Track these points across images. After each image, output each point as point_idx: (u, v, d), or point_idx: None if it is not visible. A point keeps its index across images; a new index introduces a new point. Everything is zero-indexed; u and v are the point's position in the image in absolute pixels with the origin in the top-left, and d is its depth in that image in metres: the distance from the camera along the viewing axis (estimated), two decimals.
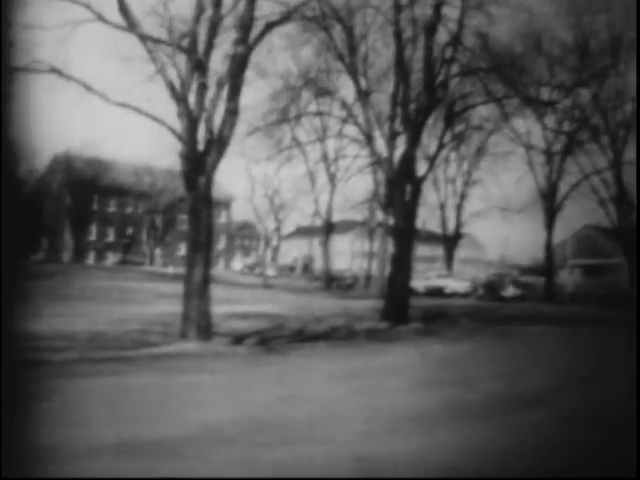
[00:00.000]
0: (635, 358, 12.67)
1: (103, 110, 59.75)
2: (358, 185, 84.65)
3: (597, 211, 39.75)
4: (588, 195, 38.72)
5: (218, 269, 64.18)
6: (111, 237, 69.92)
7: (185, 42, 13.03)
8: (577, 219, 68.22)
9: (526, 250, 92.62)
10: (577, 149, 38.43)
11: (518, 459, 5.68)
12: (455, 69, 19.94)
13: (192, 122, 12.75)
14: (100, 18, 12.15)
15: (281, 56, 23.91)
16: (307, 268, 72.24)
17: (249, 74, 14.88)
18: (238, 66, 12.95)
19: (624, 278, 39.17)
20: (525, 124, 39.00)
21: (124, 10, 12.21)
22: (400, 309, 19.20)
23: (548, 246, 41.69)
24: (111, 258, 65.86)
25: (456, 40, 18.86)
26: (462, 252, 56.48)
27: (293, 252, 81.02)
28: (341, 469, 5.21)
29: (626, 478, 5.43)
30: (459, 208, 47.70)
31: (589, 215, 65.74)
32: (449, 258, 48.23)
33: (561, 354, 13.63)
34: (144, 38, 12.53)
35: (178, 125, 12.77)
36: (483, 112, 26.83)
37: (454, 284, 41.48)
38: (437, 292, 39.39)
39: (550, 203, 40.21)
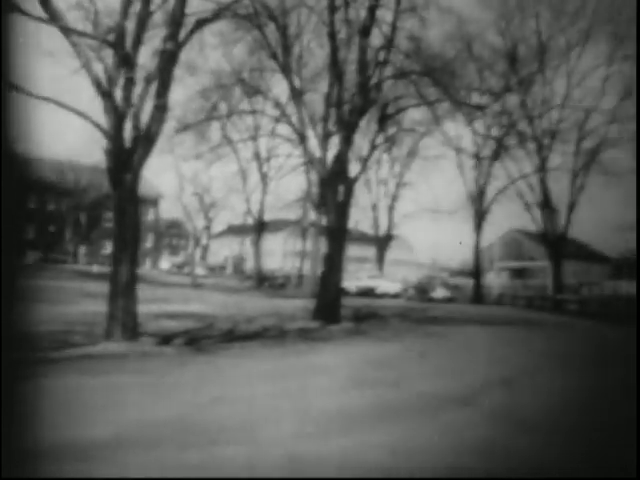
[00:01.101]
0: (560, 359, 13.43)
1: (26, 104, 57.11)
2: (291, 184, 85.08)
3: (523, 215, 41.22)
4: (515, 199, 40.26)
5: (145, 268, 62.85)
6: (31, 234, 67.21)
7: (112, 36, 12.76)
8: (504, 223, 70.81)
9: (456, 252, 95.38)
10: (505, 154, 39.95)
11: (445, 458, 5.79)
12: (388, 71, 20.34)
13: (118, 118, 12.50)
14: (19, 10, 11.69)
15: (213, 54, 23.80)
16: (238, 267, 71.77)
17: (179, 71, 14.77)
18: (167, 62, 12.82)
19: (548, 281, 40.97)
20: (456, 128, 40.45)
21: (45, 2, 11.80)
22: (331, 309, 19.45)
23: (476, 249, 43.03)
24: (31, 256, 63.31)
25: (390, 43, 19.24)
26: (393, 253, 57.50)
27: (224, 251, 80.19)
28: (269, 470, 5.24)
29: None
30: (391, 209, 48.70)
31: (515, 219, 68.47)
32: (380, 259, 49.11)
33: (488, 355, 14.03)
34: (67, 31, 12.18)
35: (104, 121, 12.51)
36: (415, 115, 27.60)
37: (385, 285, 42.29)
38: (368, 292, 40.06)
39: (479, 206, 41.62)
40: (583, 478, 5.47)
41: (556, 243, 39.06)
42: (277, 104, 22.40)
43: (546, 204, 38.90)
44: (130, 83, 12.71)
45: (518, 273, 67.65)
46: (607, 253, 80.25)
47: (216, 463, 5.31)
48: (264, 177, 44.97)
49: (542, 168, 38.66)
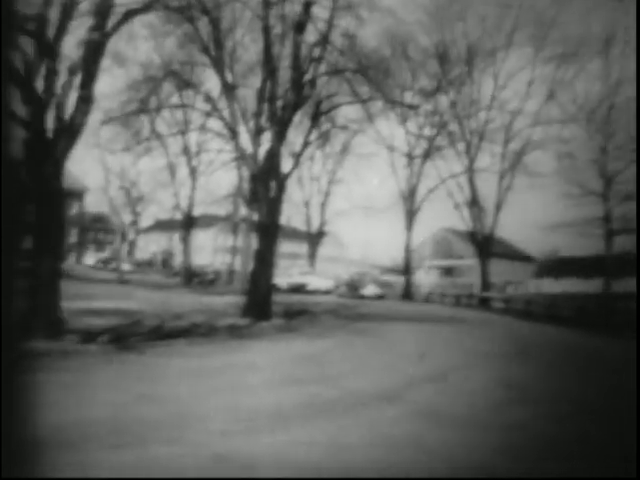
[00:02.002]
0: (483, 356, 13.94)
1: None
2: (222, 179, 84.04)
3: (453, 214, 42.44)
4: (445, 198, 41.43)
5: (69, 264, 60.80)
6: None
7: (31, 25, 12.34)
8: (435, 221, 72.63)
9: (387, 250, 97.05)
10: (436, 153, 41.07)
11: (375, 454, 5.92)
12: (323, 68, 20.55)
13: (39, 108, 12.12)
14: None
15: (144, 45, 23.32)
16: (166, 263, 70.51)
17: (107, 61, 14.45)
18: (93, 53, 12.53)
19: (476, 279, 42.36)
20: (389, 126, 41.28)
21: None
22: (262, 305, 19.50)
23: (407, 246, 43.96)
24: None
25: (325, 39, 19.42)
26: (325, 250, 57.98)
27: (152, 247, 78.53)
28: (197, 469, 5.23)
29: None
30: (323, 206, 49.13)
31: (446, 218, 70.33)
32: (312, 255, 49.48)
33: (415, 351, 14.25)
34: None
35: (22, 110, 12.07)
36: (349, 112, 27.91)
37: (317, 281, 42.68)
38: (300, 289, 40.33)
39: (410, 205, 42.57)
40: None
41: (483, 242, 40.45)
42: (208, 98, 22.20)
43: (474, 204, 40.19)
44: (52, 73, 12.34)
45: (447, 271, 69.58)
46: (531, 253, 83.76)
47: (143, 464, 5.26)
48: (194, 172, 44.45)
49: (471, 168, 39.97)
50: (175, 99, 24.87)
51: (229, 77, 20.29)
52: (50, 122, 12.37)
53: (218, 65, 19.69)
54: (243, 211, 43.85)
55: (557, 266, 75.59)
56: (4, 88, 9.58)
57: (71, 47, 13.12)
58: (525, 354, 14.59)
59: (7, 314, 10.53)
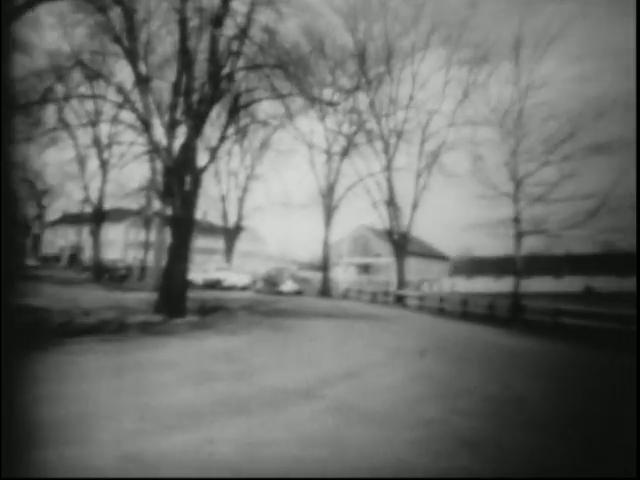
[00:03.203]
0: (396, 351, 14.43)
1: None
2: (134, 172, 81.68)
3: (372, 212, 43.26)
4: (363, 196, 42.23)
5: None
6: None
7: None
8: (354, 219, 73.80)
9: (306, 246, 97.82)
10: (354, 151, 41.82)
11: (292, 451, 6.04)
12: (242, 63, 20.55)
13: None
14: None
15: (51, 34, 22.49)
16: (75, 258, 68.22)
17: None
18: None
19: (392, 277, 43.49)
20: (309, 123, 41.57)
21: None
22: (176, 302, 19.38)
23: (325, 243, 44.52)
24: None
25: (243, 34, 19.43)
26: (243, 245, 57.85)
27: (59, 241, 75.75)
28: (104, 470, 5.23)
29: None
30: (241, 201, 48.99)
31: (364, 215, 71.65)
32: (229, 251, 49.23)
33: (332, 347, 14.67)
34: None
35: None
36: (268, 108, 28.00)
37: (233, 277, 42.59)
38: (216, 285, 40.14)
39: (329, 202, 43.17)
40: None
41: (400, 241, 41.54)
42: (120, 90, 21.73)
43: (392, 202, 41.18)
44: None
45: (365, 268, 71.00)
46: (446, 252, 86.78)
47: (49, 466, 5.24)
48: (105, 164, 43.31)
49: (389, 167, 40.91)
50: (85, 89, 24.20)
51: (143, 69, 19.92)
52: None
53: (131, 56, 19.35)
54: (157, 205, 43.11)
55: (470, 265, 78.90)
56: None
57: None
58: (438, 350, 15.03)
59: None
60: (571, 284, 68.64)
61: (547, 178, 26.98)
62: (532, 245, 32.39)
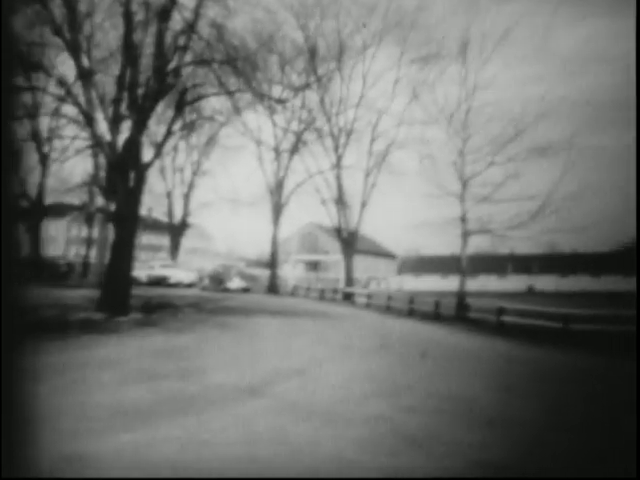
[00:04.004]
0: (344, 348, 14.71)
1: None
2: (76, 167, 79.83)
3: (321, 210, 43.48)
4: (312, 194, 42.47)
5: None
6: None
7: None
8: (303, 216, 74.00)
9: (254, 243, 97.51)
10: (304, 149, 42.02)
11: (237, 450, 6.05)
12: (189, 57, 20.38)
13: None
14: None
15: None
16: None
17: None
18: None
19: (341, 274, 43.92)
20: (257, 120, 41.53)
21: None
22: (120, 299, 19.17)
23: (274, 240, 44.59)
24: None
25: (191, 28, 19.29)
26: (189, 242, 57.41)
27: None
28: (43, 472, 5.20)
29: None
30: (187, 197, 48.58)
31: (314, 213, 72.02)
32: (175, 247, 48.81)
33: (278, 345, 14.85)
34: None
35: None
36: (216, 104, 27.88)
37: (179, 274, 42.28)
38: (161, 282, 39.76)
39: (278, 199, 43.26)
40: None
41: (349, 238, 42.00)
42: (61, 82, 21.30)
43: (341, 200, 41.59)
44: None
45: (313, 266, 71.35)
46: (394, 250, 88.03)
47: None
48: (44, 158, 42.25)
49: (338, 165, 41.28)
50: (22, 81, 23.53)
51: (86, 62, 19.57)
52: None
53: (73, 49, 18.92)
54: (100, 201, 42.38)
55: (418, 263, 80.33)
56: None
57: None
58: (384, 347, 15.32)
59: None
60: (515, 283, 70.74)
61: (493, 178, 27.68)
62: (478, 244, 33.19)
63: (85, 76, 19.28)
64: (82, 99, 19.76)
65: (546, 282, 70.14)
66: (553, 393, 10.06)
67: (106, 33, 20.73)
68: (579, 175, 32.74)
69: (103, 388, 8.64)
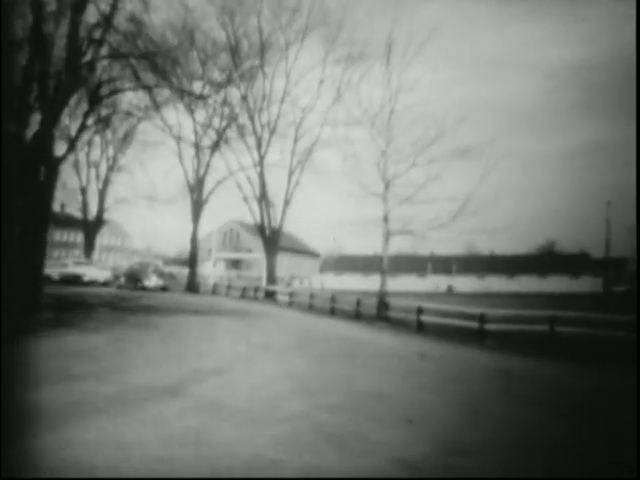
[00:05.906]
0: (266, 347, 14.96)
1: None
2: None
3: (243, 207, 43.52)
4: (234, 191, 42.48)
5: None
6: None
7: None
8: (224, 213, 73.82)
9: (173, 241, 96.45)
10: (225, 146, 41.99)
11: (155, 451, 6.05)
12: (105, 51, 20.07)
13: None
14: None
15: None
16: None
17: None
18: None
19: (263, 272, 44.15)
20: (177, 116, 41.21)
21: None
22: (30, 298, 18.71)
23: (194, 238, 44.31)
24: None
25: (107, 22, 19.05)
26: (105, 239, 56.29)
27: None
28: None
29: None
30: (102, 193, 47.63)
31: (237, 210, 71.95)
32: (90, 245, 47.73)
33: (197, 344, 14.77)
34: None
35: None
36: (133, 99, 27.53)
37: (94, 272, 41.46)
38: (74, 280, 38.89)
39: (198, 196, 43.08)
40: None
41: (271, 236, 42.29)
42: None
43: (263, 198, 41.82)
44: None
45: (235, 264, 71.33)
46: (317, 249, 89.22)
47: None
48: None
49: (261, 162, 41.46)
50: None
51: None
52: None
53: None
54: None
55: (340, 262, 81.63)
56: None
57: None
58: (305, 346, 15.60)
59: None
60: (434, 283, 73.09)
61: (415, 180, 28.35)
62: (400, 244, 34.03)
63: None
64: None
65: (464, 282, 72.87)
66: (465, 390, 10.60)
67: (10, 22, 19.99)
68: (498, 178, 34.33)
69: (12, 390, 8.40)
